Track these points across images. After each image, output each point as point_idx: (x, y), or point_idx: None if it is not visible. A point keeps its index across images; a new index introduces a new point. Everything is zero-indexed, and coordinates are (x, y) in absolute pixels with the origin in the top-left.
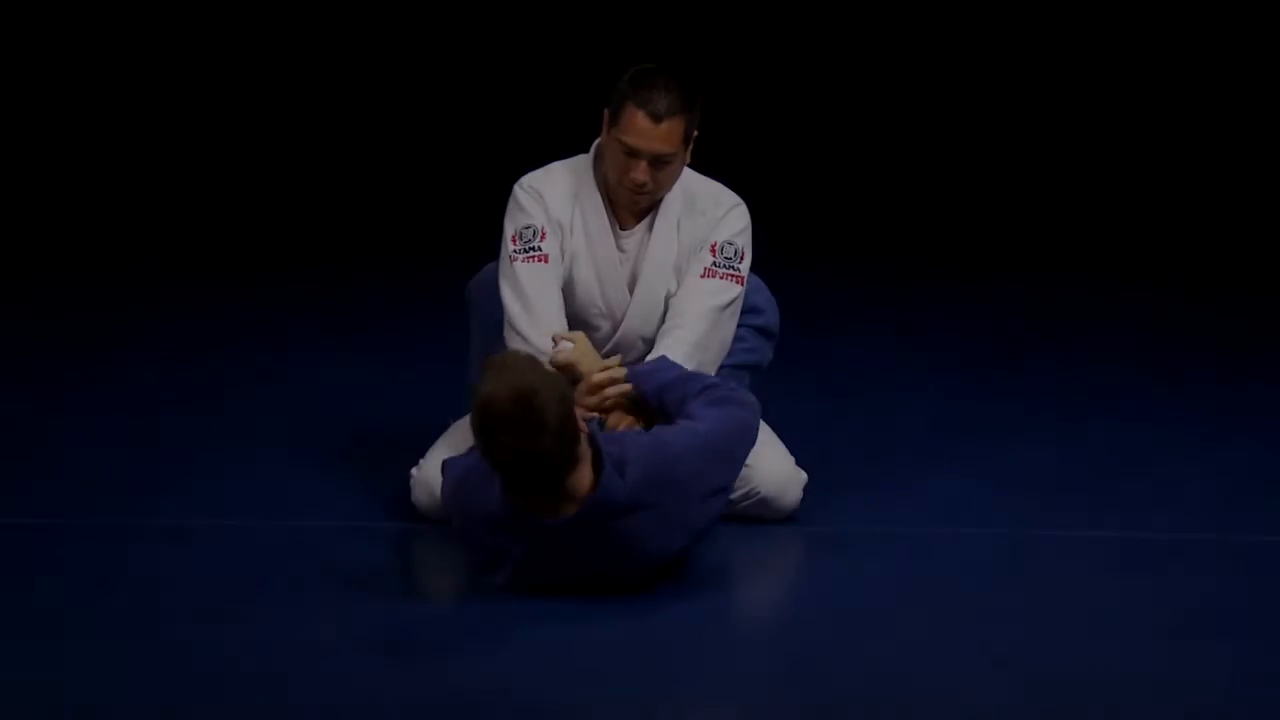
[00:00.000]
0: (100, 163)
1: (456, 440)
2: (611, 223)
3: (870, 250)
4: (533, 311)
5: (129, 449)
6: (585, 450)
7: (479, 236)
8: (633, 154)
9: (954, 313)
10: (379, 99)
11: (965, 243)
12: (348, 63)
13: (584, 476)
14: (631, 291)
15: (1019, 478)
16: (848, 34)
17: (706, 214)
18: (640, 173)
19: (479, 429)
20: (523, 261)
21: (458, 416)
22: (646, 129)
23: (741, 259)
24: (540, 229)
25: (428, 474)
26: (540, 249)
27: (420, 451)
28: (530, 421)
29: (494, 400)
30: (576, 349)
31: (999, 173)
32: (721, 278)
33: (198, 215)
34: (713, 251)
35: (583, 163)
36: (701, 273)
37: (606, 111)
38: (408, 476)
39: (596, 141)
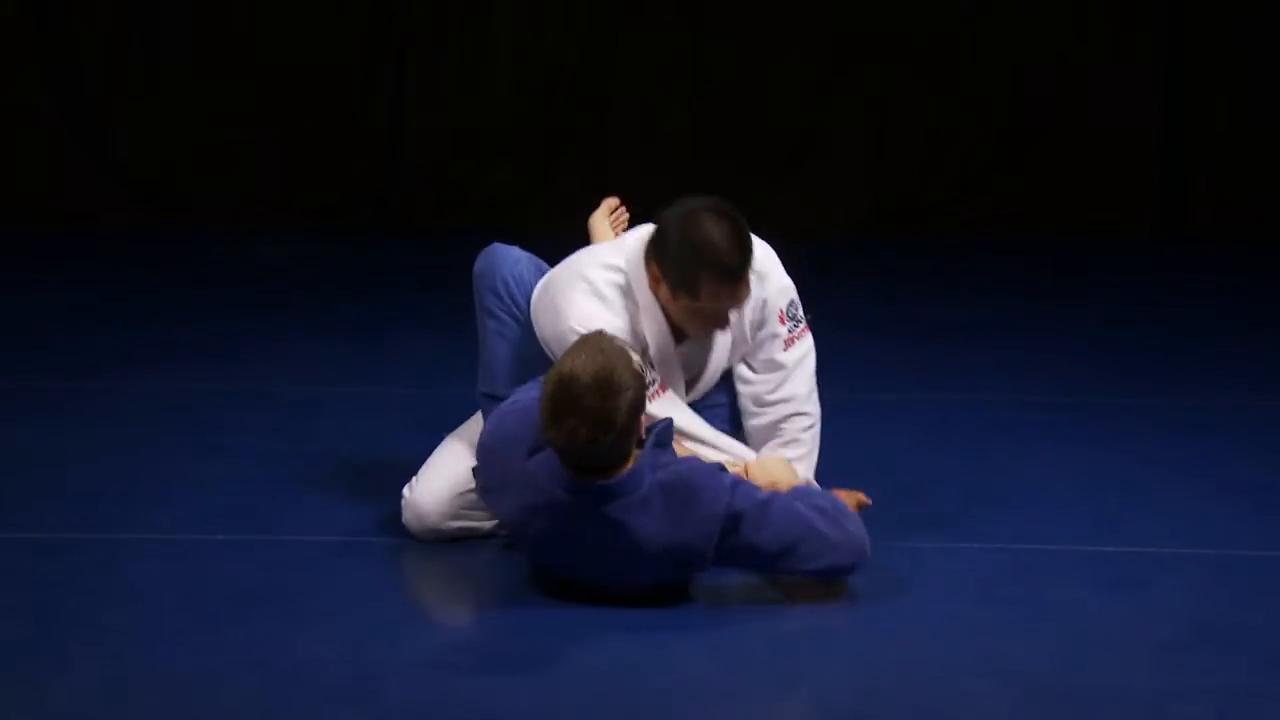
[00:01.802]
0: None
1: (449, 457)
2: (673, 331)
3: (867, 259)
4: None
5: (124, 463)
6: (634, 451)
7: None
8: (718, 312)
9: (948, 326)
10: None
11: (964, 252)
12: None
13: (624, 472)
14: (688, 375)
15: (1016, 493)
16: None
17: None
18: (726, 319)
19: (550, 399)
20: None
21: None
22: (731, 291)
23: (799, 306)
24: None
25: (418, 498)
26: None
27: (415, 468)
28: (602, 415)
29: (575, 381)
30: None
31: (986, 179)
32: (799, 336)
33: (191, 226)
34: (781, 320)
35: (629, 279)
36: (784, 346)
37: (657, 269)
38: (401, 494)
39: (640, 255)
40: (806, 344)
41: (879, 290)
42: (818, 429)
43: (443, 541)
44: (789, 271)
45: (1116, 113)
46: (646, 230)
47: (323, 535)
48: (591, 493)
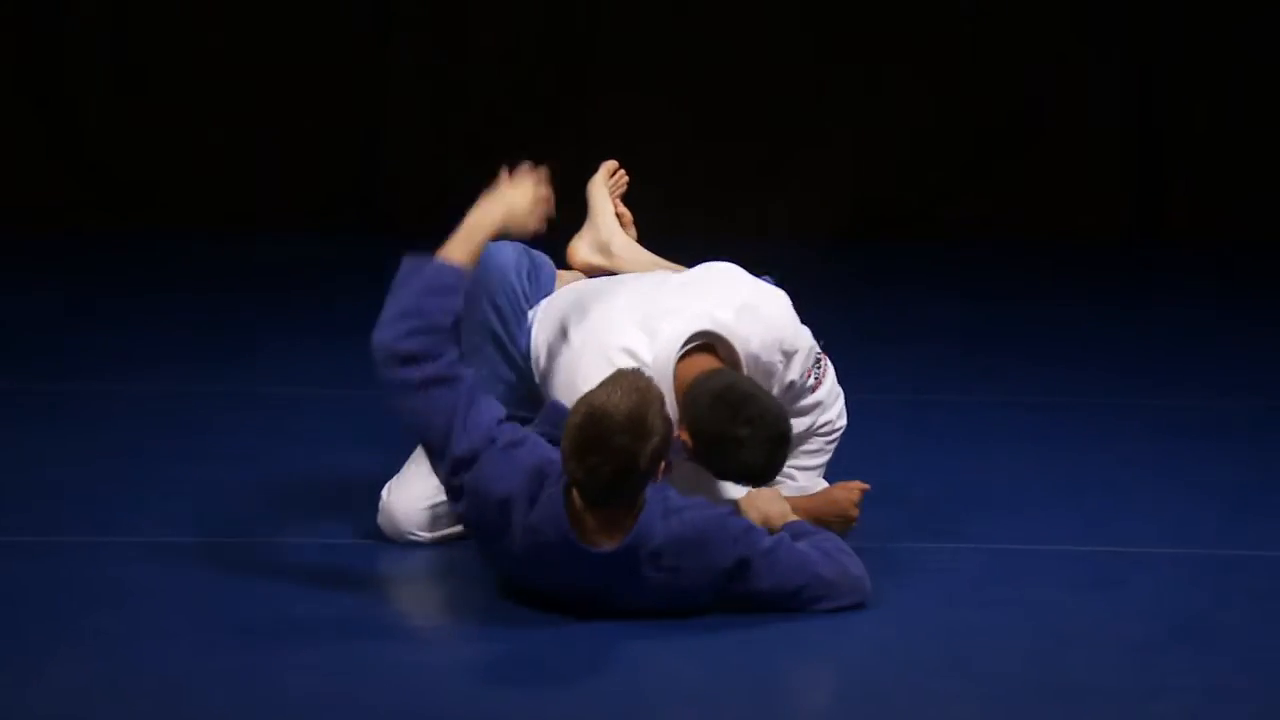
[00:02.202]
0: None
1: (424, 468)
2: None
3: (854, 261)
4: None
5: (116, 466)
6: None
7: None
8: None
9: (935, 328)
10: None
11: (951, 254)
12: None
13: (632, 519)
14: None
15: (997, 493)
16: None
17: (775, 375)
18: None
19: (579, 430)
20: None
21: None
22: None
23: (818, 348)
24: None
25: (393, 506)
26: None
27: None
28: (629, 456)
29: (608, 418)
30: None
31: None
32: (825, 375)
33: (183, 227)
34: (808, 375)
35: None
36: (812, 390)
37: (689, 439)
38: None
39: (669, 371)
40: (830, 376)
41: (865, 292)
42: (839, 435)
43: (420, 545)
44: (776, 275)
45: (1100, 117)
46: (676, 330)
47: (313, 538)
48: (596, 557)
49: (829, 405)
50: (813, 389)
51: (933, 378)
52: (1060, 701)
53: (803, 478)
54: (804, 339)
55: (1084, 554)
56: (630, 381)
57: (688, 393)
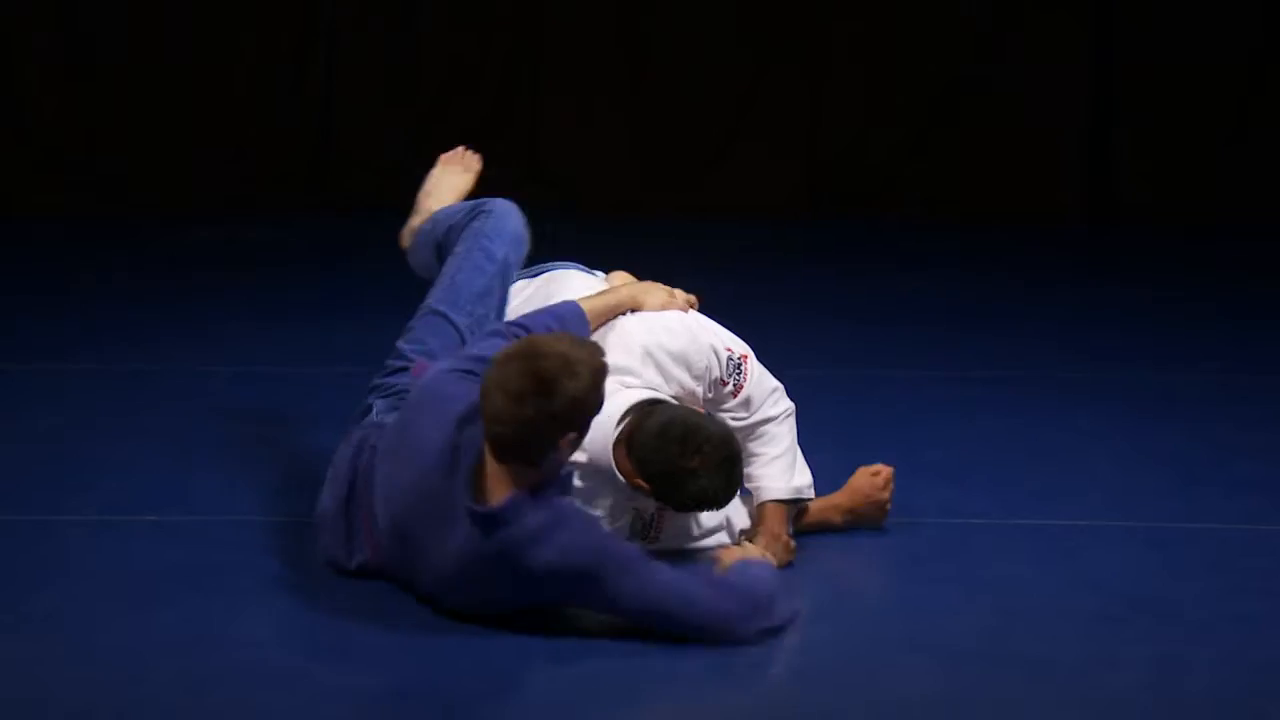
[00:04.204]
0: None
1: None
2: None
3: (804, 238)
4: None
5: (56, 446)
6: (544, 471)
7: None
8: None
9: (887, 303)
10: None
11: (901, 232)
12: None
13: (525, 479)
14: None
15: (951, 467)
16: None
17: (696, 397)
18: None
19: (513, 348)
20: None
21: None
22: None
23: (731, 351)
24: None
25: None
26: None
27: None
28: (546, 381)
29: (545, 345)
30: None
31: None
32: (745, 377)
33: (125, 210)
34: (724, 383)
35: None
36: (735, 394)
37: (642, 482)
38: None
39: (605, 445)
40: (754, 376)
41: (817, 269)
42: (789, 417)
43: None
44: (725, 256)
45: (1049, 98)
46: (614, 405)
47: (257, 515)
48: (479, 517)
49: (755, 408)
50: (735, 391)
51: (882, 352)
52: (1018, 674)
53: (774, 468)
54: (711, 355)
55: (1037, 527)
56: (586, 343)
57: (630, 441)
